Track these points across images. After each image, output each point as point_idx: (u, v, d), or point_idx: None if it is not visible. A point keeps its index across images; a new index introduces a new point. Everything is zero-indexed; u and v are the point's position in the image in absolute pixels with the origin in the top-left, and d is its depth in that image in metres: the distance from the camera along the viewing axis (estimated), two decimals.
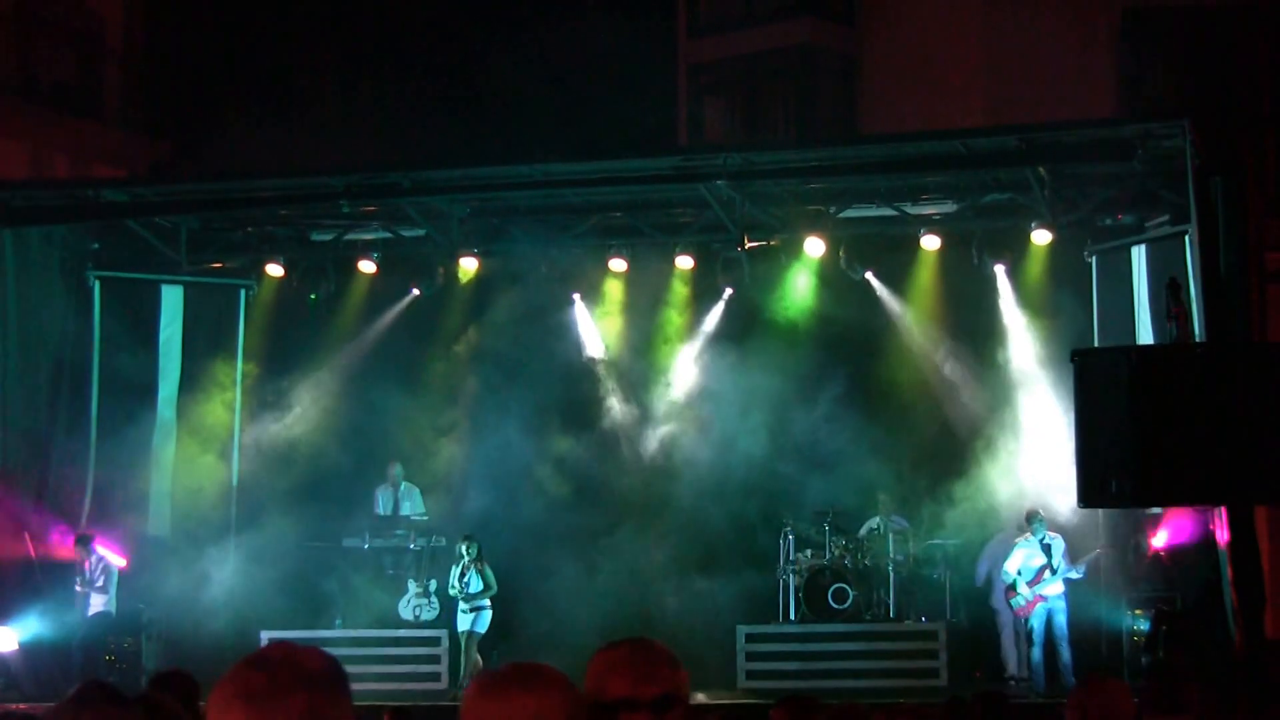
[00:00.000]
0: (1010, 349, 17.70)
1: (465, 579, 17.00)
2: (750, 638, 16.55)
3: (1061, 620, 16.03)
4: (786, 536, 17.32)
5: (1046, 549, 16.09)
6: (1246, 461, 9.89)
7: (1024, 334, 17.64)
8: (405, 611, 17.59)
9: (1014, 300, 17.77)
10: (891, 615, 16.92)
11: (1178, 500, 12.29)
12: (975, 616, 16.98)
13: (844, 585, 16.77)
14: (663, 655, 3.60)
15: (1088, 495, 10.54)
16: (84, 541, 17.06)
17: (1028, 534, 16.15)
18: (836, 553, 17.03)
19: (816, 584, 16.89)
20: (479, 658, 16.80)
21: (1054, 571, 16.05)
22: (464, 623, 16.96)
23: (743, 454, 18.26)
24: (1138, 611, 15.84)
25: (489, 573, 17.07)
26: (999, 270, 17.76)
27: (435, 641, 17.06)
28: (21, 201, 17.59)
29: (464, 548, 17.07)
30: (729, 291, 18.63)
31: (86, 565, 17.02)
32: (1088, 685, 6.09)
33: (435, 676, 16.85)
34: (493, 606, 17.11)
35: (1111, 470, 10.09)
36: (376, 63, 26.02)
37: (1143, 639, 15.55)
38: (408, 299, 19.18)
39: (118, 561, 17.18)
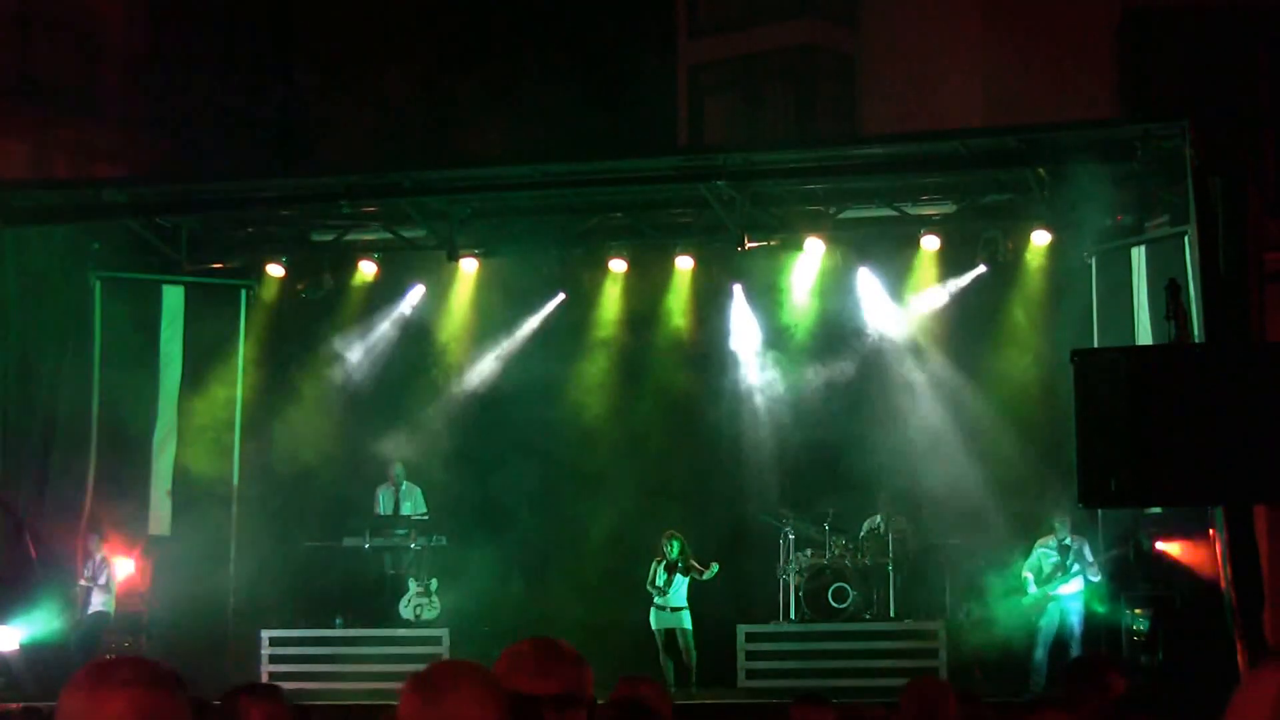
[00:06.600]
0: (1010, 349, 17.69)
1: (671, 579, 16.57)
2: (750, 637, 16.53)
3: (1074, 621, 16.03)
4: (786, 536, 17.30)
5: (1065, 550, 16.10)
6: (1246, 461, 9.90)
7: (1024, 334, 17.62)
8: (406, 611, 17.57)
9: (1014, 301, 17.76)
10: (892, 615, 16.91)
11: (1178, 500, 12.28)
12: (975, 616, 16.96)
13: (844, 585, 16.77)
14: (566, 653, 3.61)
15: (1088, 495, 10.54)
16: (93, 538, 17.12)
17: (1050, 536, 16.20)
18: (836, 552, 17.03)
19: (817, 583, 16.89)
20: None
21: (1066, 572, 16.05)
22: (660, 620, 16.61)
23: (742, 453, 18.28)
24: (1138, 611, 15.82)
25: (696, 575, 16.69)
26: (999, 271, 17.78)
27: (436, 641, 17.02)
28: (21, 201, 17.59)
29: (665, 544, 16.62)
30: (735, 292, 18.63)
31: (93, 559, 17.06)
32: (914, 685, 6.08)
33: None
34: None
35: (1111, 470, 10.09)
36: (375, 62, 26.02)
37: (1143, 638, 15.55)
38: (408, 299, 19.19)
39: (126, 567, 17.21)
